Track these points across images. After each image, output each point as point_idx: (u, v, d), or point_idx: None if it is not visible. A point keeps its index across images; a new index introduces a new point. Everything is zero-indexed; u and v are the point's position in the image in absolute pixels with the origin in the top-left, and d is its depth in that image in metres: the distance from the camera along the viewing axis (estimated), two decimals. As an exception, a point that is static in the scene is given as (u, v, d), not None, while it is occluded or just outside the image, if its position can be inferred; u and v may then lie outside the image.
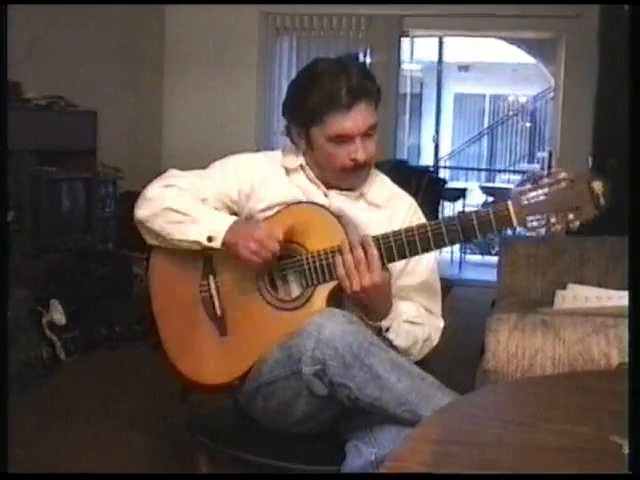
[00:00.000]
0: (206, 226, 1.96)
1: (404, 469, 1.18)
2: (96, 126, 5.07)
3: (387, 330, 1.96)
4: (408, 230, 1.87)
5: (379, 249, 1.88)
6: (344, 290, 1.90)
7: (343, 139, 1.98)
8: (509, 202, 1.79)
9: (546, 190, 1.77)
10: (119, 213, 5.34)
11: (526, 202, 1.78)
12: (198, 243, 1.96)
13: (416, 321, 2.03)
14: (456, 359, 2.18)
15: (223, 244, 1.94)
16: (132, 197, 2.18)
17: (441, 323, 2.12)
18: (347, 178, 2.07)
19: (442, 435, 1.35)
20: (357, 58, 2.10)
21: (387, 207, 2.13)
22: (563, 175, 1.77)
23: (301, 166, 2.11)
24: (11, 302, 3.78)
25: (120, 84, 5.96)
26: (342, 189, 2.10)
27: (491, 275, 4.38)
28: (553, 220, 1.77)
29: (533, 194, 1.77)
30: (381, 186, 2.17)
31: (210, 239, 1.95)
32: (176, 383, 2.13)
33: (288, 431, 1.98)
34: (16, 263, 4.24)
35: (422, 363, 1.96)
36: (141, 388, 3.81)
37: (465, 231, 1.83)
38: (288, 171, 2.12)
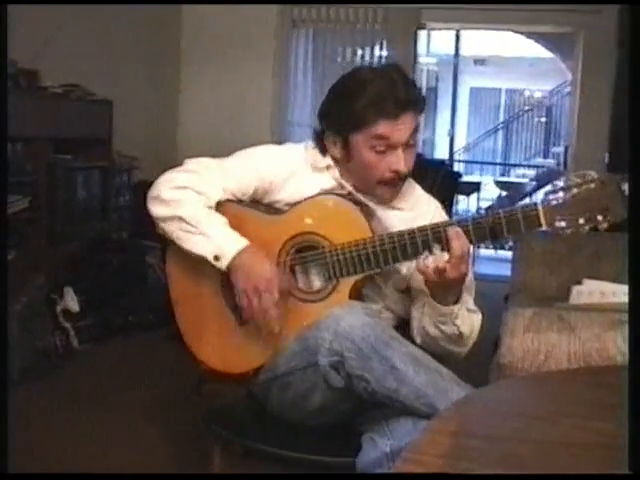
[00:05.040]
0: (215, 245, 1.94)
1: (422, 461, 1.18)
2: (112, 115, 5.07)
3: (456, 316, 1.95)
4: (434, 226, 1.86)
5: (404, 245, 1.87)
6: (430, 273, 1.84)
7: (386, 148, 1.95)
8: (539, 202, 1.76)
9: (575, 191, 1.74)
10: (134, 202, 5.34)
11: (555, 203, 1.75)
12: (205, 258, 1.96)
13: (474, 309, 2.03)
14: (469, 353, 2.16)
15: (228, 268, 1.94)
16: (147, 186, 2.17)
17: (480, 315, 2.08)
18: (383, 190, 2.04)
19: (461, 428, 1.35)
20: (400, 67, 2.04)
21: (413, 210, 2.11)
22: (593, 176, 1.74)
23: (328, 166, 2.08)
24: (27, 289, 3.80)
25: (137, 73, 5.96)
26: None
27: (505, 270, 4.36)
28: (581, 221, 1.74)
29: (562, 194, 1.74)
30: (407, 192, 2.13)
31: (217, 258, 1.94)
32: (191, 373, 2.14)
33: (304, 423, 1.97)
34: (32, 250, 4.25)
35: (438, 357, 1.95)
36: (155, 378, 3.82)
37: (493, 230, 1.80)
38: (314, 169, 2.09)
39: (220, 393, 2.17)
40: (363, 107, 1.93)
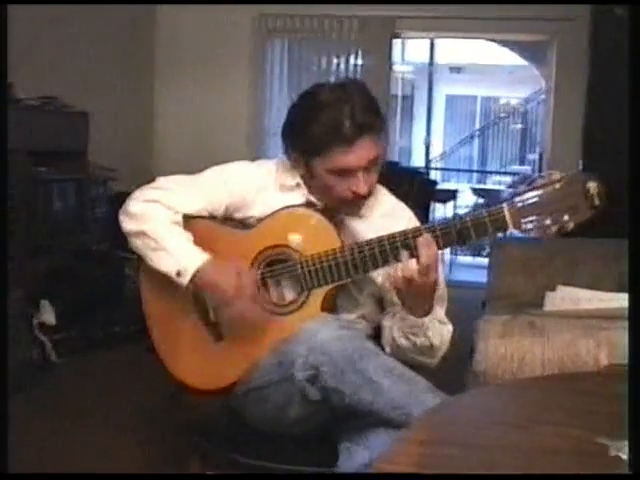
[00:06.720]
0: (176, 260, 1.95)
1: (393, 471, 1.18)
2: (88, 127, 5.05)
3: (427, 328, 1.95)
4: (403, 233, 1.86)
5: (373, 253, 1.87)
6: (402, 284, 1.83)
7: (344, 172, 1.95)
8: (504, 205, 1.76)
9: (540, 192, 1.74)
10: (111, 214, 5.32)
11: (521, 204, 1.75)
12: (168, 275, 1.96)
13: (445, 321, 2.03)
14: (445, 360, 2.17)
15: (191, 282, 1.94)
16: (124, 198, 2.18)
17: (451, 327, 2.07)
18: (346, 207, 2.05)
19: (432, 437, 1.35)
20: (362, 86, 2.02)
21: (384, 218, 2.11)
22: (558, 176, 1.74)
23: (297, 185, 2.08)
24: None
25: (112, 85, 5.94)
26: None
27: (482, 276, 4.37)
28: (548, 222, 1.73)
29: (528, 196, 1.74)
30: (379, 201, 2.15)
31: (179, 274, 1.94)
32: (169, 384, 2.14)
33: (282, 433, 1.97)
34: (10, 263, 4.22)
35: (412, 365, 1.96)
36: (135, 390, 3.80)
37: (460, 234, 1.80)
38: (283, 188, 2.09)
39: (199, 404, 2.17)
40: (318, 134, 1.93)
